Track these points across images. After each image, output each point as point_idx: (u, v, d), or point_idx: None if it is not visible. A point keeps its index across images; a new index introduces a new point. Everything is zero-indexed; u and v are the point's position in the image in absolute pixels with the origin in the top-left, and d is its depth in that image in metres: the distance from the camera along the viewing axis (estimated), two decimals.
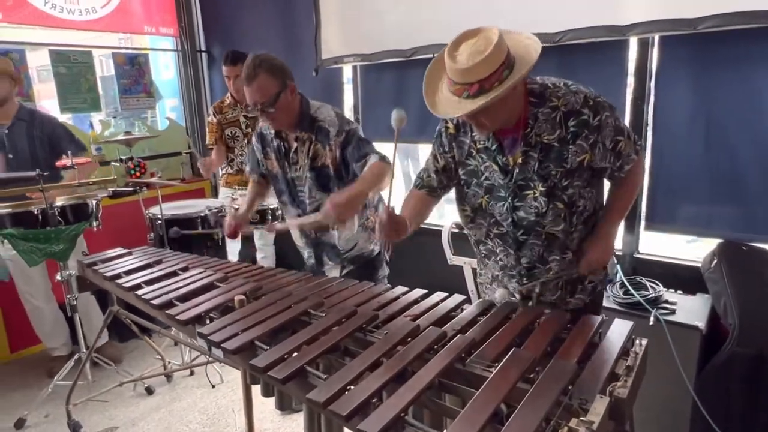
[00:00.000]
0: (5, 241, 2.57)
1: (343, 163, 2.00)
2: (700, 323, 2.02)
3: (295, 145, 2.05)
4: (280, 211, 2.74)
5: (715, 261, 2.16)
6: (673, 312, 2.10)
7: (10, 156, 2.81)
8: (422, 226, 3.40)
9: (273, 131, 2.10)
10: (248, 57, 1.90)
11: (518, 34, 1.36)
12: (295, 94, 1.99)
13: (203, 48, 4.37)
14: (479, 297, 1.79)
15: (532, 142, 1.44)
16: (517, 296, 1.63)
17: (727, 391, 1.83)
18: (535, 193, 1.48)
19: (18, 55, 3.36)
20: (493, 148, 1.49)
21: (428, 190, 1.68)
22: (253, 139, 2.25)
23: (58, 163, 2.79)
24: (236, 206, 3.00)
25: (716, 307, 2.08)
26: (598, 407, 0.92)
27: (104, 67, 4.17)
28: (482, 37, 1.28)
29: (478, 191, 1.58)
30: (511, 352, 1.13)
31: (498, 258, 1.63)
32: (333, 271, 2.24)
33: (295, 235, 2.27)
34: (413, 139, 3.28)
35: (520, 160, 1.46)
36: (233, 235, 2.32)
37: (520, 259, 1.58)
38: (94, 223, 2.65)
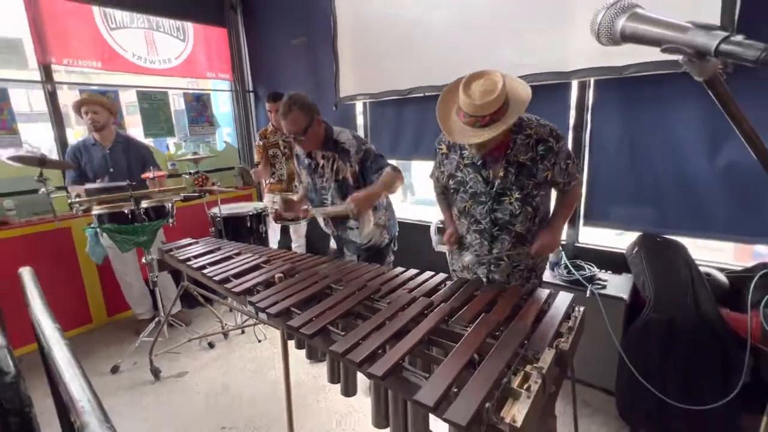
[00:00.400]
0: (105, 234, 2.59)
1: (361, 175, 1.95)
2: (625, 295, 2.03)
3: (322, 162, 2.02)
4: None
5: (636, 248, 2.15)
6: (604, 287, 2.11)
7: (111, 170, 2.83)
8: (415, 222, 3.39)
9: (305, 153, 2.07)
10: (285, 96, 1.88)
11: (511, 78, 1.34)
12: (320, 125, 1.94)
13: (251, 89, 4.36)
14: (456, 277, 1.79)
15: (511, 161, 1.43)
16: (484, 280, 1.63)
17: (645, 347, 1.83)
18: (510, 199, 1.47)
19: (113, 94, 3.37)
20: (479, 163, 1.48)
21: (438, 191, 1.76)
22: (295, 161, 2.22)
23: (143, 176, 2.81)
24: (277, 208, 2.99)
25: (637, 283, 2.07)
26: (547, 357, 0.93)
27: (177, 103, 4.17)
28: (489, 79, 1.26)
29: (464, 197, 1.57)
30: (481, 316, 1.13)
31: (474, 249, 1.63)
32: (351, 258, 2.21)
33: (322, 224, 2.25)
34: (408, 156, 3.27)
35: (501, 174, 1.45)
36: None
37: (492, 250, 1.58)
38: (170, 220, 2.66)
